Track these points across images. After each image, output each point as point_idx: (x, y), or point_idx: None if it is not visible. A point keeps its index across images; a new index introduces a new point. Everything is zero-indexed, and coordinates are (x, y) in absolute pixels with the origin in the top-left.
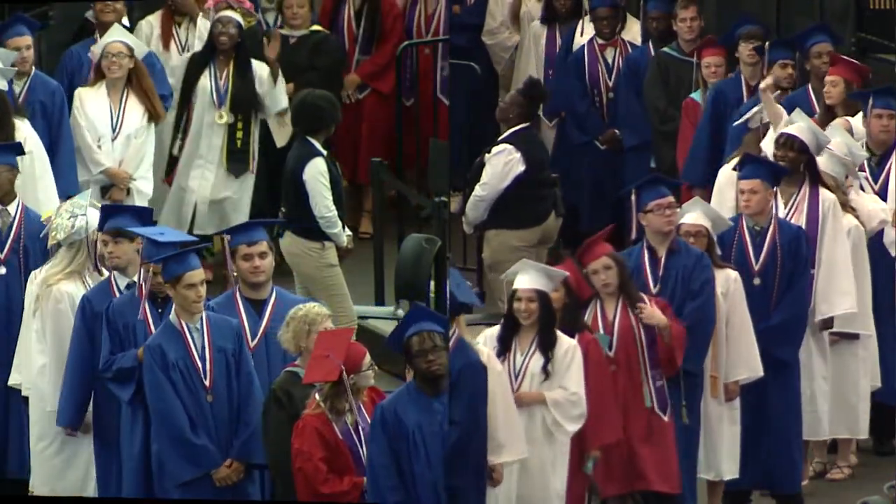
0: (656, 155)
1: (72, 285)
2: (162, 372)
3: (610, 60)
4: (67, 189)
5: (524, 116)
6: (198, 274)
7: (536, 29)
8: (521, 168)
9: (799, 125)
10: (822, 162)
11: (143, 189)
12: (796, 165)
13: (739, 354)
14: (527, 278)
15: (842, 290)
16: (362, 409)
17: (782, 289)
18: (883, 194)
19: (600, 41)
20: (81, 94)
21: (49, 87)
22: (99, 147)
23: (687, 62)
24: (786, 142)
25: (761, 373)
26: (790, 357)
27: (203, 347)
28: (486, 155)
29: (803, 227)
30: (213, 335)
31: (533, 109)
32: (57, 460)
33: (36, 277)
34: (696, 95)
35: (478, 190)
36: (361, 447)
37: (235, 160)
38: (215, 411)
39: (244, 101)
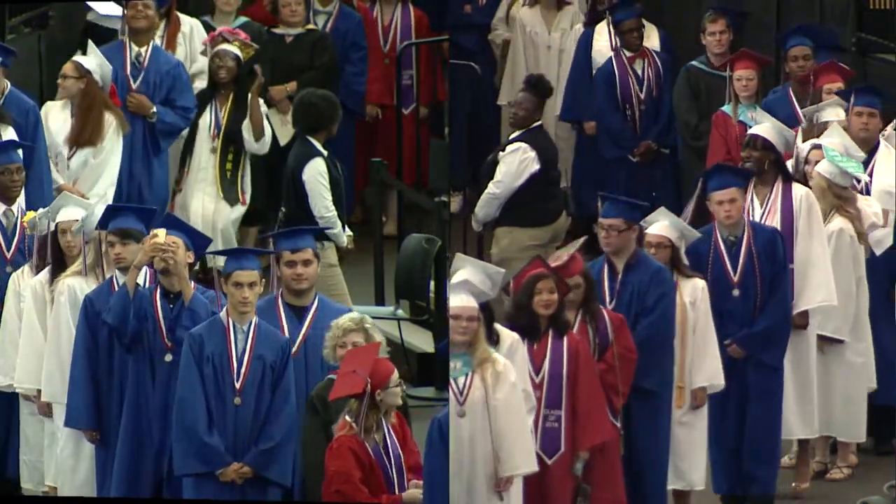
0: (687, 170)
1: (77, 280)
2: (196, 363)
3: (640, 72)
4: (39, 207)
5: (537, 115)
6: (247, 275)
7: (529, 32)
8: (536, 167)
9: (764, 125)
10: (820, 165)
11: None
12: (762, 164)
13: (702, 362)
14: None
15: (817, 282)
16: (390, 430)
17: (765, 294)
18: (867, 193)
19: (628, 53)
20: (48, 107)
21: (23, 106)
22: (55, 164)
23: (717, 76)
24: (750, 141)
25: (722, 381)
26: (776, 361)
27: (243, 350)
28: (500, 153)
29: (779, 225)
30: (257, 342)
31: (542, 106)
32: (65, 455)
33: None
34: (728, 108)
35: (491, 188)
36: (391, 467)
37: (226, 189)
38: (241, 415)
39: (236, 134)
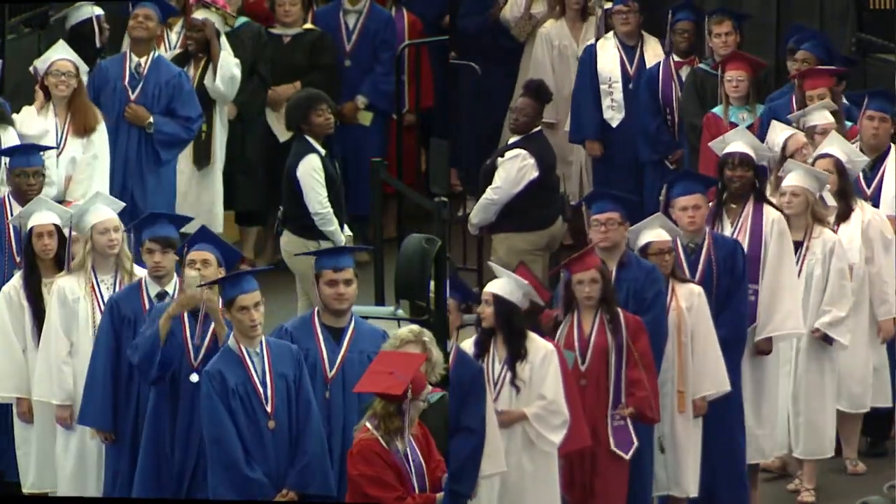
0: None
1: (69, 279)
2: (221, 399)
3: (684, 78)
4: None
5: (538, 121)
6: (250, 297)
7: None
8: (535, 174)
9: (743, 141)
10: (796, 177)
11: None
12: (750, 184)
13: (705, 369)
14: (491, 283)
15: (787, 310)
16: (411, 439)
17: (719, 306)
18: (876, 199)
19: (676, 58)
20: (23, 115)
21: None
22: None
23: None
24: (741, 161)
25: (728, 388)
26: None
27: (264, 373)
28: (499, 158)
29: (746, 246)
30: (273, 360)
31: (542, 111)
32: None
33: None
34: (718, 110)
35: (489, 193)
36: (412, 474)
37: (199, 154)
38: (277, 439)
39: (206, 97)
